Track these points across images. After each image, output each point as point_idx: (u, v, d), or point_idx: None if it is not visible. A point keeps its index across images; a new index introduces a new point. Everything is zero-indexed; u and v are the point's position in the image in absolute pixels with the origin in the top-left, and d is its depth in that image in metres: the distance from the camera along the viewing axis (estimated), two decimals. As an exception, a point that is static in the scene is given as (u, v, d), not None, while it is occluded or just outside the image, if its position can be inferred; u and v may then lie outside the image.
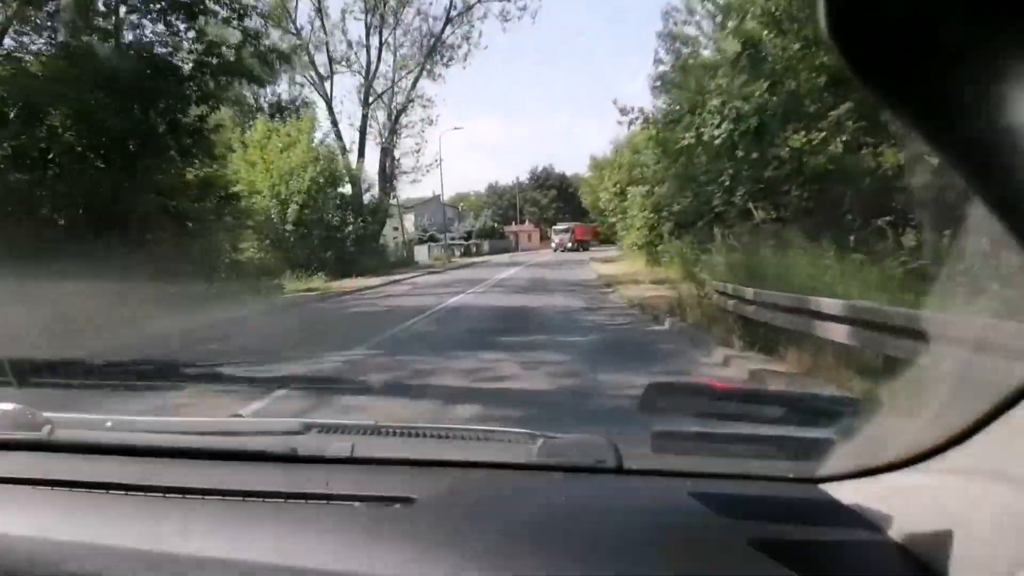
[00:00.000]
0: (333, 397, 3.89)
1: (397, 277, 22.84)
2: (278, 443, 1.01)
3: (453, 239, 53.79)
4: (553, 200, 77.78)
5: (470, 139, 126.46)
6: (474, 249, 50.63)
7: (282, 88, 32.39)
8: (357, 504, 0.84)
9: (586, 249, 49.25)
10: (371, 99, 32.14)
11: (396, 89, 32.35)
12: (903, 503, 0.74)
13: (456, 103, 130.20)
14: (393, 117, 32.04)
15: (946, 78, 0.29)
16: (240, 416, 1.37)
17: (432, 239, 46.41)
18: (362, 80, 31.76)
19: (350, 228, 26.44)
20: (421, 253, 44.09)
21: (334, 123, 31.60)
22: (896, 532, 0.71)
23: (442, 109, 76.17)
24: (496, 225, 64.99)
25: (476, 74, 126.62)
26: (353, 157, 31.37)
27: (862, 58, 0.29)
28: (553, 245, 51.07)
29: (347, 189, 28.24)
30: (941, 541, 0.63)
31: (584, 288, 16.43)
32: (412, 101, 31.95)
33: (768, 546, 0.72)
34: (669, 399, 0.91)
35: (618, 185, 26.80)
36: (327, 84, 31.63)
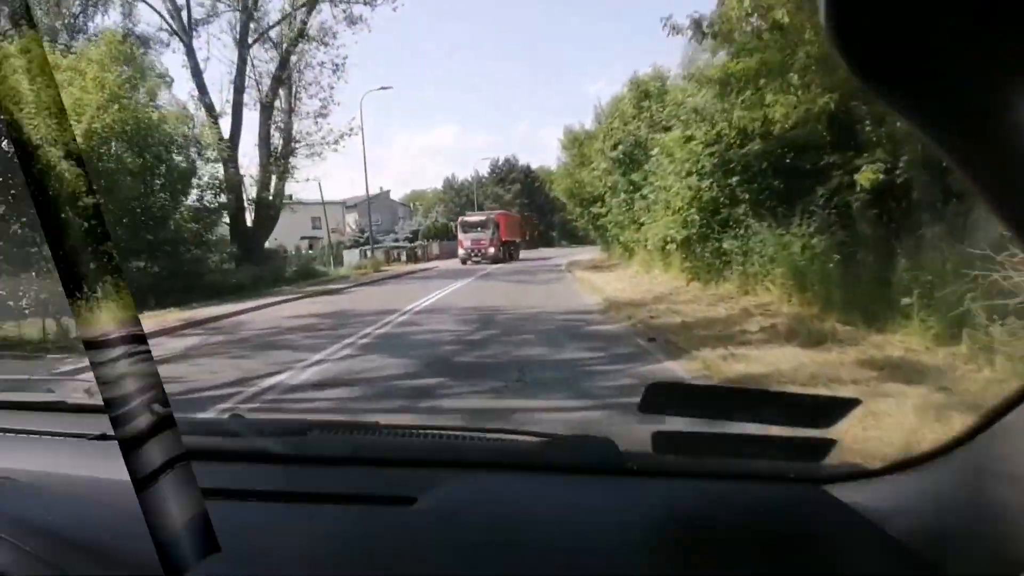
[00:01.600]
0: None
1: (236, 308, 12.46)
2: (279, 443, 1.00)
3: (397, 240, 43.90)
4: (517, 195, 68.68)
5: (429, 144, 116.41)
6: (419, 252, 40.09)
7: (111, 19, 21.75)
8: (358, 504, 0.85)
9: (514, 257, 32.01)
10: (251, 38, 21.90)
11: (294, 26, 22.04)
12: (905, 503, 0.74)
13: (415, 109, 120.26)
14: (280, 58, 21.73)
15: (945, 79, 0.29)
16: (240, 416, 1.25)
17: (372, 241, 36.13)
18: (240, 15, 21.49)
19: (180, 219, 15.92)
20: (352, 259, 34.04)
21: (195, 72, 21.20)
22: (898, 532, 0.71)
23: (363, 62, 64.31)
24: (450, 223, 55.22)
25: (434, 76, 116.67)
26: (228, 124, 21.05)
27: (863, 61, 0.29)
28: (461, 253, 30.19)
29: (216, 167, 17.98)
30: (942, 541, 0.64)
31: (623, 368, 5.31)
32: (305, 35, 21.64)
33: (770, 546, 0.73)
34: (670, 399, 0.86)
35: (619, 148, 16.85)
36: (185, 17, 21.30)
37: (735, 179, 9.84)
